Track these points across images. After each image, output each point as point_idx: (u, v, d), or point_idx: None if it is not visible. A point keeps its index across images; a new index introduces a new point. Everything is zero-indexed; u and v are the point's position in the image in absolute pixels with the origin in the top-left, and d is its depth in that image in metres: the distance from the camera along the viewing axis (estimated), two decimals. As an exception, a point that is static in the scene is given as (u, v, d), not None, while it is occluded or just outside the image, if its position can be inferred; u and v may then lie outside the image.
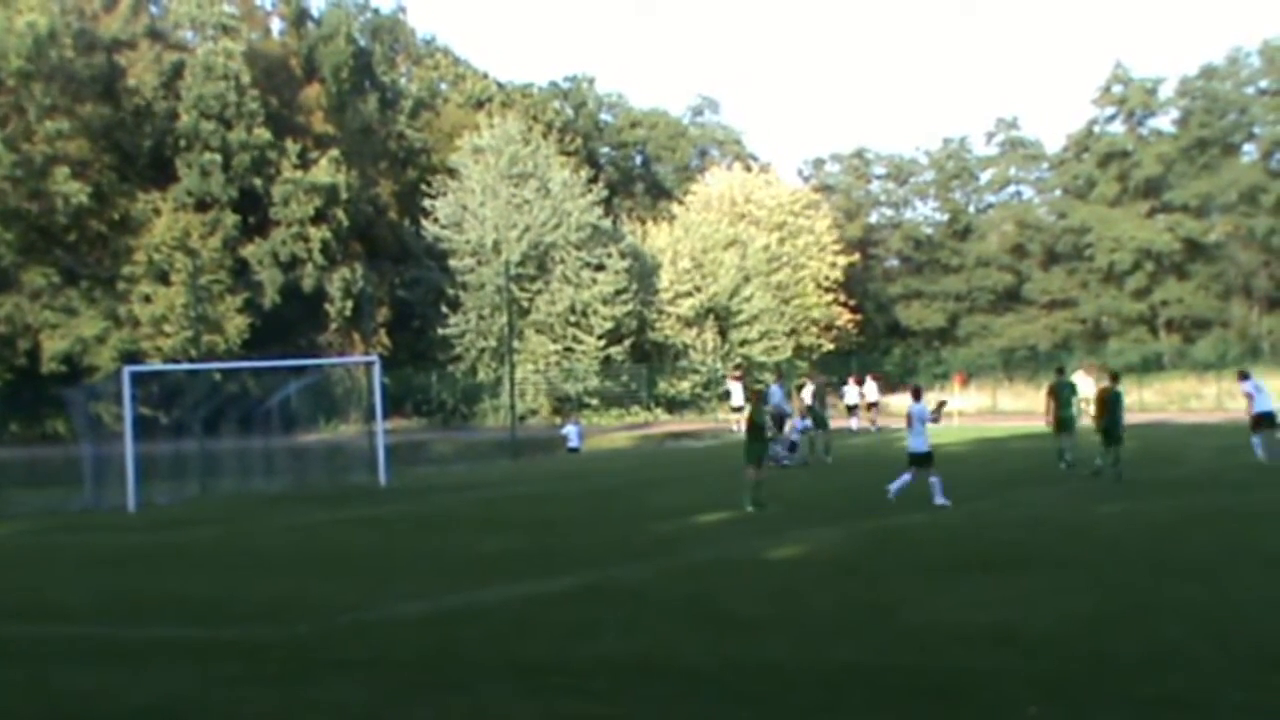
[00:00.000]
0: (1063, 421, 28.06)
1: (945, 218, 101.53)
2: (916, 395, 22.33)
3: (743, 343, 74.02)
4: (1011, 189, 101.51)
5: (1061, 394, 28.59)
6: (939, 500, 20.45)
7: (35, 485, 32.98)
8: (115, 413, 35.95)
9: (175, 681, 10.30)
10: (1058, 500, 21.29)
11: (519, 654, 10.81)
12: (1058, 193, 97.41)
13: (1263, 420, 27.14)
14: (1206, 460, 28.59)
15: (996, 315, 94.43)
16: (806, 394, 34.32)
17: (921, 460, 21.17)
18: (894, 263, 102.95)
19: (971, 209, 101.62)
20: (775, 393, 33.04)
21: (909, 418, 21.56)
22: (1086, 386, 49.11)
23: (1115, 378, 26.51)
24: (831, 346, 79.03)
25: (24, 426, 59.62)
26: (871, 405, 49.22)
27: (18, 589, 16.04)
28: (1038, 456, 30.42)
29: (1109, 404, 24.95)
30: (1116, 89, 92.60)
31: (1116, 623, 11.15)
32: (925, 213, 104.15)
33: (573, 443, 45.33)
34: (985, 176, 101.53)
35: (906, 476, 21.16)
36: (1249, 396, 27.90)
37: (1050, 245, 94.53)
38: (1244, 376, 29.41)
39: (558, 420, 58.33)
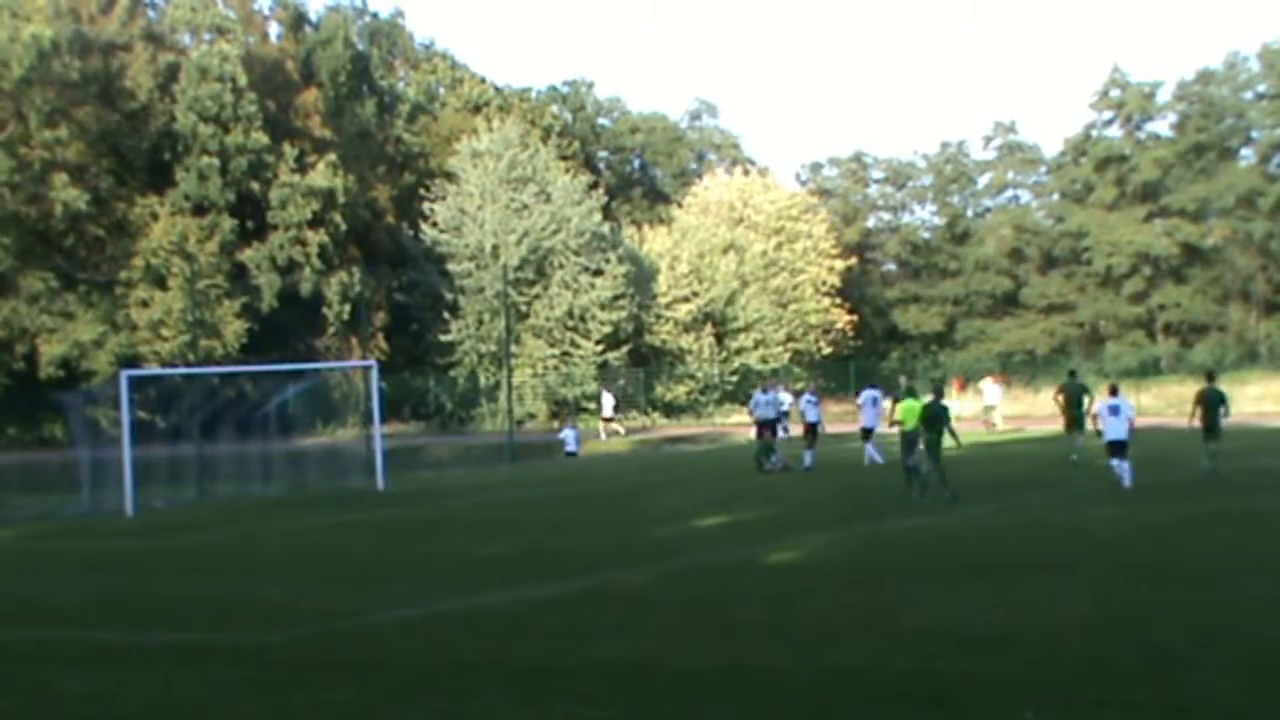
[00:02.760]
0: (1074, 420, 28.38)
1: (943, 222, 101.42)
2: (1113, 391, 25.56)
3: (739, 350, 74.13)
4: (1009, 193, 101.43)
5: (1072, 394, 28.82)
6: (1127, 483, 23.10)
7: (33, 490, 33.01)
8: (113, 417, 35.95)
9: (173, 685, 10.31)
10: (1055, 504, 21.30)
11: (516, 658, 10.82)
12: (1055, 197, 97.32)
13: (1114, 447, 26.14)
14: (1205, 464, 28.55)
15: (994, 319, 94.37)
16: (801, 401, 34.44)
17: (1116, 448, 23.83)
18: (892, 267, 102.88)
19: (969, 213, 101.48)
20: (759, 399, 33.36)
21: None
22: (993, 394, 49.58)
23: (1211, 376, 26.50)
24: (829, 351, 79.03)
25: (21, 431, 59.66)
26: (989, 408, 49.19)
27: (16, 594, 16.04)
28: (1035, 460, 30.46)
29: (1208, 404, 25.04)
30: (1114, 93, 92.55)
31: (1114, 627, 11.16)
32: (923, 217, 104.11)
33: (570, 447, 45.36)
34: (983, 180, 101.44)
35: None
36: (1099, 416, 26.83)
37: (1048, 249, 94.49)
38: (1112, 392, 27.66)
39: (555, 424, 58.35)
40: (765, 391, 34.57)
